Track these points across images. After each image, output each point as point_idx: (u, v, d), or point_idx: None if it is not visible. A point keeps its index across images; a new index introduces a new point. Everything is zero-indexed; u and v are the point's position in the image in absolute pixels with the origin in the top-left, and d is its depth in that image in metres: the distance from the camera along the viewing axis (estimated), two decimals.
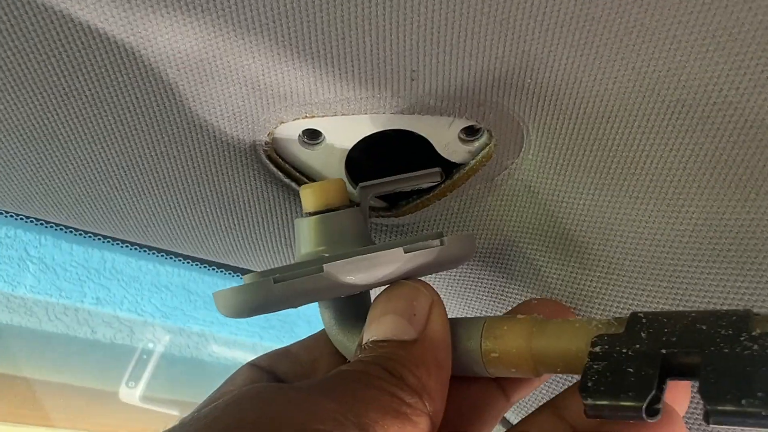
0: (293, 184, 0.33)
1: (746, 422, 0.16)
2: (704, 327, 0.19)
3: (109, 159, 0.31)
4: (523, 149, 0.30)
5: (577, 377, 0.22)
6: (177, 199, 0.33)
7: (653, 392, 0.18)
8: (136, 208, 0.34)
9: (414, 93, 0.28)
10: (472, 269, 0.36)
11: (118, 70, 0.27)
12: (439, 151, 0.32)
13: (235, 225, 0.35)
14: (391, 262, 0.26)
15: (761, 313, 0.19)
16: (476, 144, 0.31)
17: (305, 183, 0.33)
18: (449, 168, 0.33)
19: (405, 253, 0.26)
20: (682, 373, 0.19)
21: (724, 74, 0.23)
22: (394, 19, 0.24)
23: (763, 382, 0.17)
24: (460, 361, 0.25)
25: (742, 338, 0.18)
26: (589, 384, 0.20)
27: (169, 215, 0.35)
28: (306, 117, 0.30)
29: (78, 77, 0.27)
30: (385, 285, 0.27)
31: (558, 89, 0.26)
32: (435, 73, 0.27)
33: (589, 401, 0.19)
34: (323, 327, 0.29)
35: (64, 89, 0.28)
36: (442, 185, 0.33)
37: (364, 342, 0.24)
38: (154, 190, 0.33)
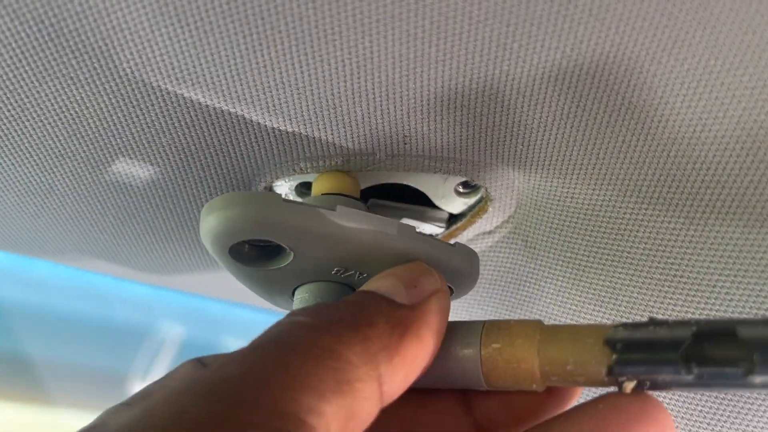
0: None
1: None
2: (737, 318, 0.20)
3: (105, 211, 0.33)
4: (518, 205, 0.31)
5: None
6: (174, 247, 0.35)
7: (688, 343, 0.18)
8: (133, 254, 0.36)
9: (408, 154, 0.29)
10: (470, 315, 0.37)
11: (111, 135, 0.28)
12: (435, 203, 0.33)
13: None
14: (407, 234, 0.25)
15: None
16: (473, 198, 0.32)
17: None
18: (448, 217, 0.34)
19: (418, 233, 0.25)
20: (714, 353, 0.18)
21: (711, 153, 0.24)
22: (383, 92, 0.25)
23: None
24: (452, 364, 0.23)
25: None
26: (617, 336, 0.20)
27: (167, 261, 0.36)
28: (301, 173, 0.31)
29: (73, 141, 0.29)
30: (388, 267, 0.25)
31: (550, 156, 0.28)
32: (427, 138, 0.28)
33: (619, 354, 0.19)
34: None
35: (59, 151, 0.29)
36: (440, 234, 0.34)
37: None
38: (150, 239, 0.34)
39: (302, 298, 0.28)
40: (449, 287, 0.28)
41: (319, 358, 0.18)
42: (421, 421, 0.25)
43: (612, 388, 0.20)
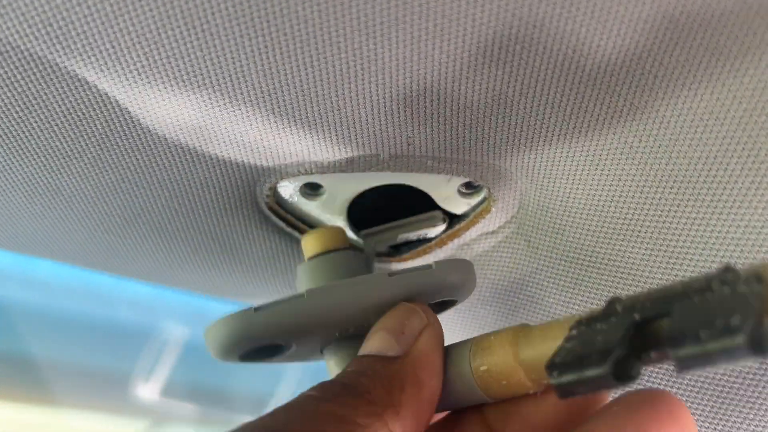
0: (295, 233, 0.35)
1: (712, 361, 0.15)
2: (680, 287, 0.18)
3: (111, 212, 0.33)
4: (521, 206, 0.32)
5: None
6: (179, 247, 0.35)
7: (617, 353, 0.18)
8: (139, 255, 0.36)
9: (412, 155, 0.29)
10: (474, 315, 0.38)
11: (119, 135, 0.28)
12: (439, 204, 0.33)
13: (237, 271, 0.37)
14: (377, 285, 0.26)
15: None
16: (476, 198, 0.33)
17: (307, 231, 0.35)
18: (451, 217, 0.34)
19: (390, 276, 0.26)
20: (658, 340, 0.18)
21: (713, 154, 0.24)
22: (387, 94, 0.26)
23: (725, 313, 0.15)
24: (455, 388, 0.25)
25: (713, 285, 0.17)
26: (556, 360, 0.19)
27: (171, 261, 0.36)
28: (306, 173, 0.31)
29: (80, 141, 0.29)
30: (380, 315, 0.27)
31: (552, 157, 0.28)
32: (431, 140, 0.28)
33: (556, 380, 0.19)
34: None
35: (66, 151, 0.29)
36: (443, 234, 0.35)
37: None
38: (156, 240, 0.35)
39: (329, 361, 0.29)
40: (452, 301, 0.29)
41: (329, 423, 0.20)
42: None
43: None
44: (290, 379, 1.52)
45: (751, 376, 0.27)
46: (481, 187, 0.32)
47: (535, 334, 0.22)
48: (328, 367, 0.30)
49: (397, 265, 0.37)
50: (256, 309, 0.26)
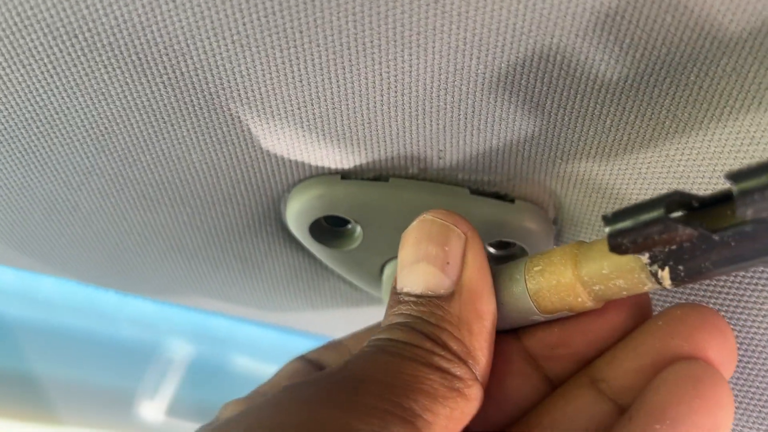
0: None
1: None
2: None
3: (130, 229, 0.32)
4: (558, 220, 0.31)
5: None
6: (200, 265, 0.35)
7: (673, 196, 0.18)
8: (158, 273, 0.36)
9: (441, 168, 0.29)
10: None
11: (140, 150, 0.28)
12: None
13: (258, 289, 0.36)
14: (455, 196, 0.28)
15: None
16: None
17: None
18: None
19: (471, 194, 0.28)
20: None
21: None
22: (420, 106, 0.25)
23: None
24: (508, 309, 0.24)
25: None
26: (613, 211, 0.20)
27: (192, 280, 0.36)
28: None
29: (101, 157, 0.28)
30: None
31: (589, 170, 0.27)
32: (462, 153, 0.28)
33: (610, 226, 0.19)
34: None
35: (87, 168, 0.29)
36: None
37: (398, 290, 0.24)
38: (176, 257, 0.34)
39: (390, 273, 0.31)
40: (522, 247, 0.30)
41: (426, 370, 0.21)
42: (495, 390, 0.25)
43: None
44: None
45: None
46: (514, 200, 0.31)
47: (598, 244, 0.22)
48: (383, 283, 0.31)
49: None
50: (343, 176, 0.28)
